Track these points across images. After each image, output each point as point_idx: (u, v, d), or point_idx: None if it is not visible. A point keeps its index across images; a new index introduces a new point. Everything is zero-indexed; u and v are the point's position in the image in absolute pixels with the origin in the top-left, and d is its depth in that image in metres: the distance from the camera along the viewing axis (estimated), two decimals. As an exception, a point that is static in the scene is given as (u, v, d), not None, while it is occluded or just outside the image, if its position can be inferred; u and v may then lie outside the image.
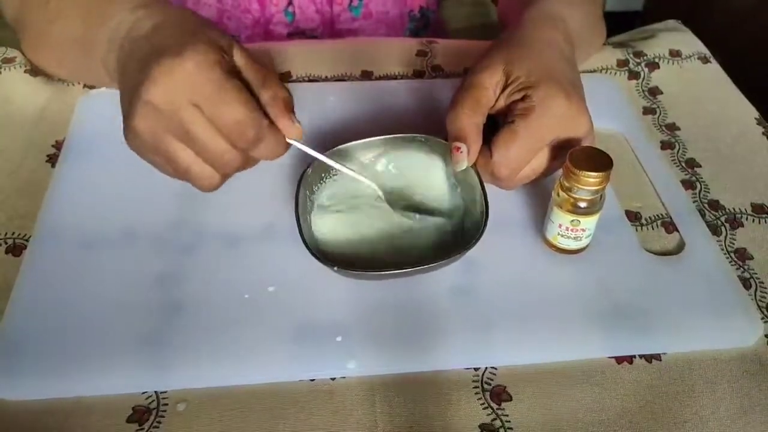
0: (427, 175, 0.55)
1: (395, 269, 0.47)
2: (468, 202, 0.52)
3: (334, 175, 0.53)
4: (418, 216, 0.52)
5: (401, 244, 0.51)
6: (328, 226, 0.51)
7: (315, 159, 0.50)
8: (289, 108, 0.45)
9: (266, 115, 0.44)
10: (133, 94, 0.42)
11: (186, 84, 0.41)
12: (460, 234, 0.52)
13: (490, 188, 0.49)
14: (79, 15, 0.54)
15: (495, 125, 0.49)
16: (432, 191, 0.54)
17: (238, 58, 0.45)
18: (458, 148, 0.47)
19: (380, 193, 0.52)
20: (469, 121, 0.47)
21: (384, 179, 0.54)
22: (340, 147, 0.52)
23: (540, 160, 0.49)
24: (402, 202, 0.53)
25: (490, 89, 0.49)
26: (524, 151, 0.47)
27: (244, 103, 0.42)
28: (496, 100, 0.49)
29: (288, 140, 0.46)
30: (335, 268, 0.46)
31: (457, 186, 0.53)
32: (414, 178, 0.55)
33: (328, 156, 0.50)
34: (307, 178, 0.50)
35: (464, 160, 0.48)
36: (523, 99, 0.48)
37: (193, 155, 0.44)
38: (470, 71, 0.50)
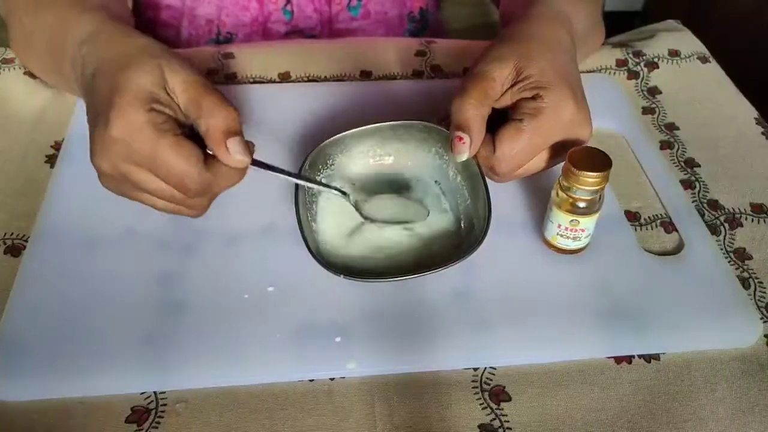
0: (430, 167, 0.55)
1: (398, 275, 0.47)
2: (470, 195, 0.52)
3: (331, 165, 0.53)
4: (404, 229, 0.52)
5: (401, 242, 0.51)
6: (329, 228, 0.51)
7: (309, 153, 0.50)
8: (229, 133, 0.43)
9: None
10: (90, 158, 0.44)
11: (120, 152, 0.42)
12: (462, 231, 0.52)
13: (489, 185, 0.49)
14: (46, 37, 0.54)
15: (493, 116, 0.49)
16: (434, 186, 0.54)
17: (174, 85, 0.44)
18: (461, 138, 0.47)
19: (352, 201, 0.52)
20: (475, 112, 0.47)
21: (381, 174, 0.54)
22: (338, 136, 0.52)
23: (538, 160, 0.49)
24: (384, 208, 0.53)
25: (498, 82, 0.48)
26: (528, 151, 0.47)
27: (178, 158, 0.42)
28: (502, 94, 0.49)
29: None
30: (341, 276, 0.46)
31: (457, 175, 0.53)
32: (415, 170, 0.55)
33: (322, 148, 0.51)
34: (305, 173, 0.51)
35: (466, 151, 0.47)
36: (533, 98, 0.47)
37: (163, 201, 0.45)
38: (479, 61, 0.49)
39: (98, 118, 0.43)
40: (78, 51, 0.48)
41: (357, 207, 0.52)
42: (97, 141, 0.42)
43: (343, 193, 0.51)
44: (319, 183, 0.51)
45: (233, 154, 0.43)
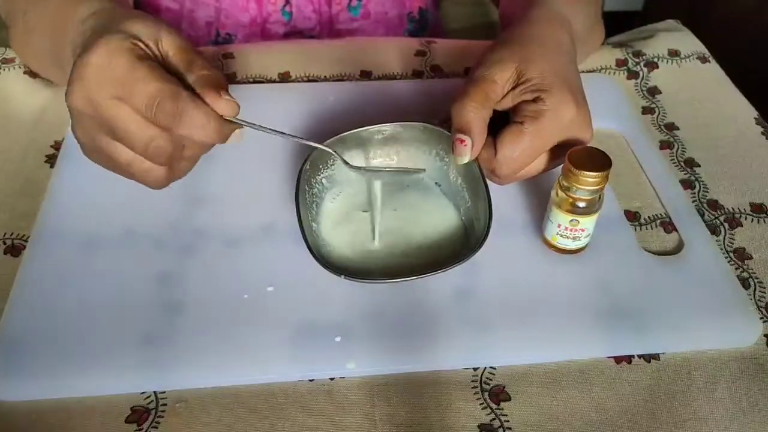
0: (431, 169, 0.55)
1: (398, 275, 0.47)
2: (471, 198, 0.52)
3: (331, 165, 0.53)
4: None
5: (401, 241, 0.51)
6: (330, 228, 0.51)
7: (310, 153, 0.50)
8: (217, 86, 0.42)
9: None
10: (66, 103, 0.42)
11: (97, 79, 0.40)
12: (463, 233, 0.52)
13: (489, 186, 0.49)
14: (49, 27, 0.54)
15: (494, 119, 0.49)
16: (434, 187, 0.54)
17: (167, 45, 0.43)
18: (462, 141, 0.47)
19: (341, 159, 0.49)
20: (476, 115, 0.47)
21: (383, 176, 0.54)
22: (339, 136, 0.52)
23: (539, 162, 0.49)
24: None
25: (499, 85, 0.48)
26: (529, 153, 0.47)
27: (156, 78, 0.40)
28: (504, 97, 0.49)
29: (227, 118, 0.42)
30: (342, 277, 0.46)
31: (458, 177, 0.53)
32: (416, 177, 0.55)
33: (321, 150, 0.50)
34: (305, 173, 0.51)
35: (467, 154, 0.47)
36: (534, 101, 0.47)
37: (131, 152, 0.42)
38: (480, 63, 0.49)
39: (74, 60, 0.41)
40: (79, 28, 0.47)
41: (347, 163, 0.50)
42: (73, 73, 0.40)
43: (335, 153, 0.50)
44: (306, 140, 0.48)
45: (223, 96, 0.41)
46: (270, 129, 0.44)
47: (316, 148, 0.48)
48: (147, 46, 0.42)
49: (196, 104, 0.41)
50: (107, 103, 0.40)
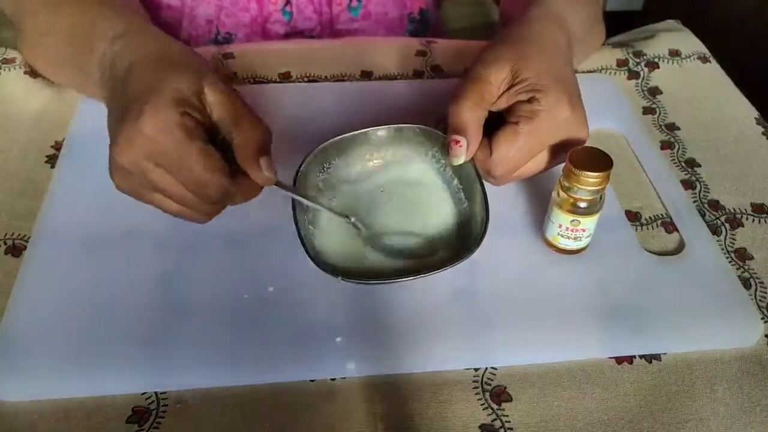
0: (427, 170, 0.55)
1: (397, 276, 0.47)
2: (467, 198, 0.52)
3: (328, 168, 0.53)
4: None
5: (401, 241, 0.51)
6: (327, 230, 0.51)
7: (306, 156, 0.51)
8: (262, 151, 0.44)
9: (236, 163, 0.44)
10: (110, 150, 0.43)
11: (146, 148, 0.42)
12: (460, 233, 0.52)
13: (489, 187, 0.49)
14: (66, 34, 0.54)
15: (490, 119, 0.49)
16: (431, 189, 0.54)
17: (212, 96, 0.44)
18: (458, 142, 0.47)
19: (362, 228, 0.51)
20: (472, 115, 0.47)
21: (377, 177, 0.54)
22: (334, 139, 0.52)
23: (535, 163, 0.49)
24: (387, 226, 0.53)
25: (495, 85, 0.48)
26: (524, 153, 0.47)
27: (203, 166, 0.42)
28: (499, 97, 0.49)
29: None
30: (340, 278, 0.46)
31: (454, 178, 0.53)
32: (413, 179, 0.55)
33: (319, 151, 0.51)
34: (301, 176, 0.51)
35: (463, 155, 0.48)
36: (529, 101, 0.47)
37: (176, 204, 0.45)
38: (476, 64, 0.49)
39: (128, 112, 0.42)
40: (110, 47, 0.48)
41: (361, 235, 0.51)
42: (122, 133, 0.42)
43: (348, 218, 0.51)
44: (330, 209, 0.51)
45: (264, 171, 0.44)
46: (302, 195, 0.49)
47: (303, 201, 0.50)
48: (192, 106, 0.43)
49: (243, 184, 0.44)
50: (155, 171, 0.42)
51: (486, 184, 0.49)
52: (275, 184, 0.46)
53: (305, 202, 0.49)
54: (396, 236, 0.52)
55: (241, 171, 0.44)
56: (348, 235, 0.51)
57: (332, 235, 0.51)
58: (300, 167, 0.51)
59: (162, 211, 0.46)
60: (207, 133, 0.44)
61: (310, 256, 0.46)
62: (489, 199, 0.49)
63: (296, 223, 0.47)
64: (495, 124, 0.48)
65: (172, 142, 0.41)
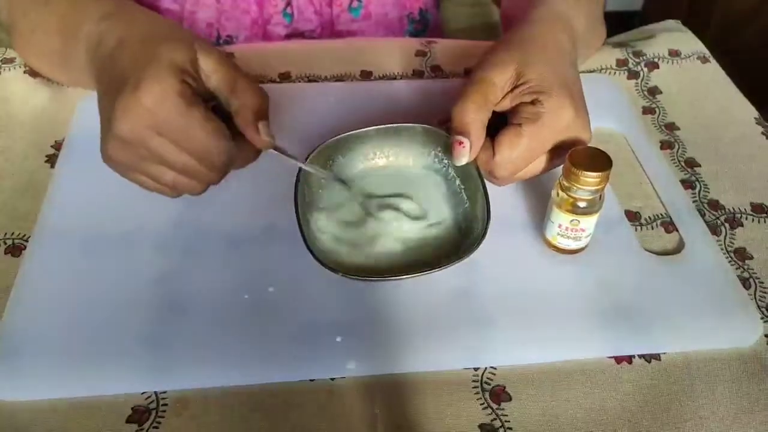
0: (428, 170, 0.55)
1: (397, 273, 0.47)
2: (469, 199, 0.52)
3: (331, 165, 0.53)
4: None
5: (402, 240, 0.51)
6: (329, 228, 0.51)
7: (309, 154, 0.51)
8: (259, 116, 0.45)
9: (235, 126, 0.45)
10: (104, 124, 0.44)
11: (147, 118, 0.42)
12: (462, 233, 0.52)
13: (488, 185, 0.50)
14: (56, 26, 0.54)
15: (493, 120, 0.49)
16: (433, 189, 0.54)
17: (206, 64, 0.45)
18: (461, 143, 0.47)
19: (360, 199, 0.52)
20: (475, 117, 0.47)
21: (380, 174, 0.54)
22: (338, 137, 0.52)
23: (537, 164, 0.49)
24: (387, 203, 0.53)
25: (498, 86, 0.48)
26: (527, 155, 0.48)
27: (207, 132, 0.43)
28: (502, 98, 0.49)
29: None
30: (340, 273, 0.46)
31: (456, 178, 0.53)
32: (412, 175, 0.55)
33: (323, 149, 0.51)
34: (304, 174, 0.51)
35: (466, 156, 0.48)
36: (533, 103, 0.47)
37: (174, 173, 0.45)
38: (479, 65, 0.50)
39: (124, 84, 0.42)
40: (96, 26, 0.48)
41: (362, 205, 0.52)
42: (121, 104, 0.42)
43: (345, 184, 0.52)
44: (328, 174, 0.51)
45: (262, 135, 0.45)
46: (296, 158, 0.49)
47: (312, 169, 0.51)
48: (189, 75, 0.43)
49: (243, 148, 0.45)
50: (156, 139, 0.43)
51: (488, 185, 0.50)
52: (273, 149, 0.47)
53: (301, 164, 0.49)
54: (397, 235, 0.52)
55: (238, 136, 0.45)
56: (350, 232, 0.51)
57: (334, 233, 0.51)
58: (300, 168, 0.51)
59: (146, 187, 0.46)
60: (203, 101, 0.44)
61: (311, 252, 0.46)
62: (489, 199, 0.49)
63: (298, 221, 0.48)
64: (498, 125, 0.48)
65: (174, 110, 0.42)
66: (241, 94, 0.45)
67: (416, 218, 0.52)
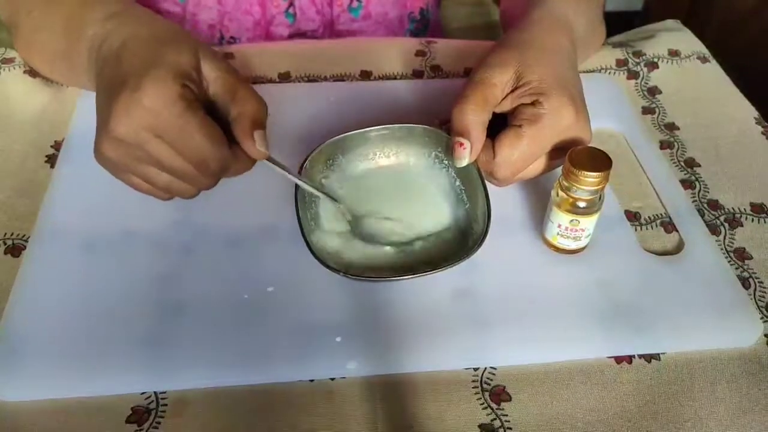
0: (430, 171, 0.55)
1: (399, 274, 0.47)
2: (469, 199, 0.52)
3: (331, 165, 0.53)
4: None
5: (403, 241, 0.51)
6: (329, 228, 0.51)
7: (310, 153, 0.51)
8: (257, 125, 0.45)
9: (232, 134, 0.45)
10: (100, 122, 0.44)
11: (145, 119, 0.42)
12: (462, 234, 0.52)
13: (489, 187, 0.50)
14: (61, 26, 0.54)
15: (493, 121, 0.49)
16: (433, 189, 0.54)
17: (208, 71, 0.45)
18: (461, 144, 0.47)
19: (349, 217, 0.52)
20: (475, 118, 0.47)
21: (380, 175, 0.54)
22: (339, 137, 0.52)
23: (537, 165, 0.49)
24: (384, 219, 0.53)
25: (498, 88, 0.48)
26: (527, 156, 0.48)
27: (205, 138, 0.43)
28: (503, 100, 0.49)
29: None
30: (340, 273, 0.46)
31: (456, 179, 0.54)
32: (413, 175, 0.55)
33: (323, 148, 0.51)
34: (305, 172, 0.51)
35: (466, 157, 0.48)
36: (533, 104, 0.47)
37: (168, 176, 0.45)
38: (479, 66, 0.50)
39: (124, 85, 0.42)
40: (102, 27, 0.48)
41: (351, 223, 0.52)
42: (119, 104, 0.42)
43: (335, 201, 0.52)
44: (322, 191, 0.51)
45: (258, 145, 0.45)
46: (292, 173, 0.49)
47: (309, 187, 0.50)
48: (191, 79, 0.44)
49: (239, 158, 0.46)
50: (153, 141, 0.42)
51: (488, 185, 0.50)
52: (267, 160, 0.46)
53: (293, 178, 0.49)
54: (397, 235, 0.52)
55: (235, 144, 0.45)
56: (350, 233, 0.51)
57: (335, 233, 0.51)
58: (304, 163, 0.51)
59: (138, 188, 0.46)
60: (203, 107, 0.44)
61: (312, 252, 0.46)
62: (489, 199, 0.49)
63: (299, 221, 0.48)
64: (498, 126, 0.48)
65: (174, 114, 0.42)
66: (241, 103, 0.45)
67: (402, 244, 0.51)
